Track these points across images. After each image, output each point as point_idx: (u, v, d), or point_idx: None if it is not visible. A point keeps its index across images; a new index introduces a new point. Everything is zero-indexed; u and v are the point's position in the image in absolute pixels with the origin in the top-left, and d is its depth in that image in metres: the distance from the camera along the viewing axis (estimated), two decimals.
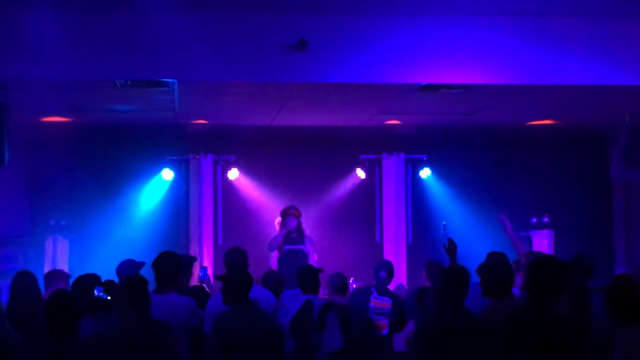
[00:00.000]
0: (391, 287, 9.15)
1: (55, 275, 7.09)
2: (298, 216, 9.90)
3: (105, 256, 9.77)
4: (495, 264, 6.16)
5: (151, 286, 6.44)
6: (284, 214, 9.91)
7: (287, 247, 9.62)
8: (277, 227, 10.27)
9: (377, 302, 7.43)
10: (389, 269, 7.87)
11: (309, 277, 6.88)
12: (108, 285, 5.24)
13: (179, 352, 5.47)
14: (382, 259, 8.42)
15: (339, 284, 7.02)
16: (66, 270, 10.29)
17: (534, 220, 11.47)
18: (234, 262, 6.82)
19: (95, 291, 5.31)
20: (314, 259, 9.74)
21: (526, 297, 4.76)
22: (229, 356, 5.75)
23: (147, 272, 6.70)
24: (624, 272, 6.49)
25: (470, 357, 5.15)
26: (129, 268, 6.79)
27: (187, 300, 6.15)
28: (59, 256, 10.41)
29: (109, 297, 5.23)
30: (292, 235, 9.78)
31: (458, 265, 5.93)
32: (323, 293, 7.38)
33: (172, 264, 6.25)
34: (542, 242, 11.24)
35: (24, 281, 6.49)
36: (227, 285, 5.92)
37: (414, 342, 5.84)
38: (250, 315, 5.84)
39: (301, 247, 9.76)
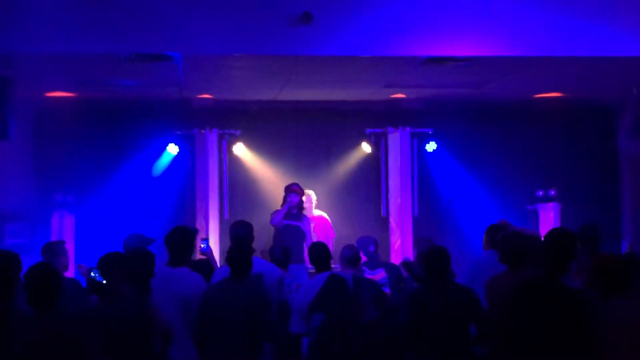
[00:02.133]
0: (396, 261, 9.22)
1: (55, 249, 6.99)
2: (301, 194, 9.89)
3: (111, 231, 9.80)
4: (519, 233, 6.24)
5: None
6: (287, 190, 9.90)
7: (286, 222, 9.61)
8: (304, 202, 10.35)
9: (371, 277, 7.45)
10: (374, 241, 7.99)
11: (324, 253, 6.84)
12: (103, 268, 5.23)
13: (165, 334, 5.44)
14: (362, 236, 8.38)
15: (352, 256, 7.02)
16: (72, 245, 10.37)
17: (541, 193, 11.45)
18: (240, 234, 6.82)
19: (93, 273, 5.30)
20: (311, 239, 9.77)
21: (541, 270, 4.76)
22: (213, 329, 5.74)
23: (154, 248, 6.71)
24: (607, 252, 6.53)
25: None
26: (136, 242, 6.78)
27: (197, 278, 6.16)
28: (65, 231, 10.42)
29: (104, 281, 5.22)
30: (293, 211, 9.77)
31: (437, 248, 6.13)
32: (334, 266, 7.41)
33: (185, 239, 6.26)
34: (549, 215, 11.22)
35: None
36: (228, 259, 5.95)
37: (407, 308, 6.00)
38: (239, 288, 5.83)
39: (299, 224, 9.76)
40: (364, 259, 7.87)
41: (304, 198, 10.14)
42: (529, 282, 4.14)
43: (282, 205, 9.82)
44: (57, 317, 4.62)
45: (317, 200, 11.01)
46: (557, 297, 4.57)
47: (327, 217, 10.84)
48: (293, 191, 9.82)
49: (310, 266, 9.71)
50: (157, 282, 5.80)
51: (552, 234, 5.15)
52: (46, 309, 4.62)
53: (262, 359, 5.90)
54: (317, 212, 10.84)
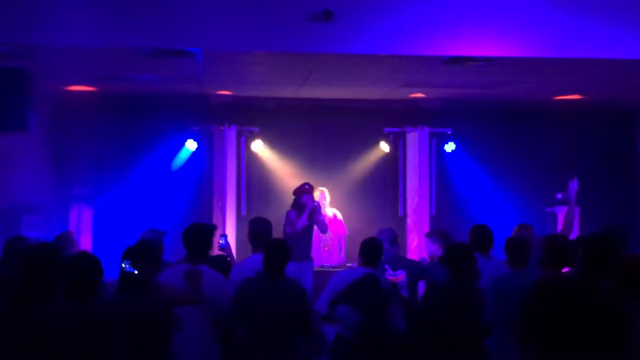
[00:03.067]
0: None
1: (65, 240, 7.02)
2: (313, 193, 9.83)
3: (129, 225, 9.83)
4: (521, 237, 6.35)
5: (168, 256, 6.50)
6: (300, 192, 9.68)
7: (303, 224, 9.60)
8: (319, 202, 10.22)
9: (393, 278, 7.36)
10: (390, 237, 7.60)
11: (375, 251, 6.80)
12: (134, 258, 5.23)
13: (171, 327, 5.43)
14: (380, 230, 7.91)
15: (373, 253, 6.99)
16: (90, 238, 10.42)
17: (560, 196, 11.35)
18: (258, 231, 6.81)
19: (124, 264, 5.30)
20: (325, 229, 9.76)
21: (575, 272, 4.75)
22: (248, 325, 5.76)
23: (168, 240, 6.71)
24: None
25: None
26: (151, 236, 6.79)
27: (217, 276, 6.15)
28: (82, 224, 10.46)
29: (136, 271, 5.22)
30: (315, 216, 9.75)
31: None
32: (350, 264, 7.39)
33: (203, 235, 6.24)
34: None
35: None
36: (266, 256, 5.94)
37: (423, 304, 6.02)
38: (277, 285, 5.84)
39: (309, 222, 9.75)
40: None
41: (317, 194, 10.09)
42: (563, 282, 4.06)
43: (293, 205, 9.61)
44: (93, 307, 4.63)
45: (332, 198, 10.98)
46: (593, 299, 4.54)
47: (339, 215, 10.81)
48: (306, 192, 9.61)
49: (328, 265, 9.74)
50: (177, 277, 5.79)
51: (591, 237, 5.15)
52: (84, 299, 4.63)
53: (297, 354, 5.89)
54: (330, 211, 10.80)
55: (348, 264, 10.20)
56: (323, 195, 10.68)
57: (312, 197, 9.65)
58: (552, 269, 5.84)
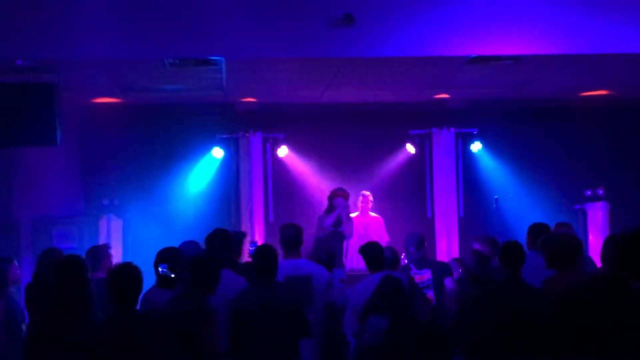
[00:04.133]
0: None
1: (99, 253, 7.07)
2: (347, 198, 9.93)
3: (158, 235, 9.88)
4: (561, 234, 6.16)
5: None
6: (333, 196, 9.92)
7: (331, 228, 9.65)
8: (360, 202, 10.51)
9: (418, 277, 7.40)
10: (416, 242, 7.69)
11: (377, 254, 6.78)
12: (172, 262, 5.30)
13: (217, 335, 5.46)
14: (408, 233, 8.06)
15: (391, 258, 6.99)
16: (120, 249, 10.50)
17: (589, 192, 11.28)
18: (290, 237, 6.85)
19: (160, 268, 5.36)
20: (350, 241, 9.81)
21: (606, 270, 4.65)
22: (243, 333, 5.73)
23: None
24: None
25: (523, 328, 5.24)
26: (191, 249, 6.80)
27: (240, 281, 6.16)
28: (112, 235, 10.54)
29: (172, 275, 5.28)
30: (342, 218, 9.81)
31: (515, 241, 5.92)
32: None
33: (225, 240, 6.28)
34: (597, 215, 11.05)
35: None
36: (255, 262, 5.94)
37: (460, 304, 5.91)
38: (270, 293, 5.81)
39: (341, 228, 9.79)
40: (403, 261, 7.82)
41: (360, 198, 10.31)
42: (594, 281, 4.00)
43: (326, 210, 9.82)
44: (137, 317, 4.69)
45: (355, 202, 11.00)
46: (627, 297, 4.49)
47: (382, 219, 10.81)
48: (339, 195, 9.85)
49: (351, 269, 9.74)
50: None
51: (622, 235, 4.98)
52: (129, 309, 4.67)
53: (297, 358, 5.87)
54: (372, 214, 10.83)
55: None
56: (367, 199, 10.70)
57: (344, 201, 9.77)
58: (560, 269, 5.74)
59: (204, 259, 5.68)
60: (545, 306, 5.29)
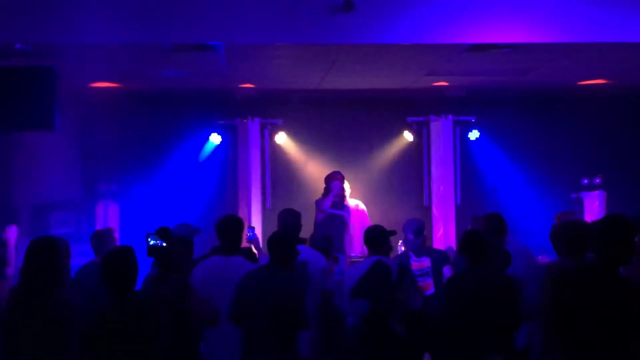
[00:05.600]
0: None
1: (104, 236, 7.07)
2: (343, 182, 9.97)
3: (156, 220, 9.88)
4: (567, 223, 6.15)
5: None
6: (331, 178, 9.97)
7: (330, 211, 9.66)
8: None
9: (417, 264, 7.41)
10: (415, 229, 7.62)
11: (380, 237, 6.78)
12: (161, 232, 5.29)
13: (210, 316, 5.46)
14: (407, 220, 7.93)
15: (378, 241, 6.99)
16: (117, 234, 10.50)
17: (585, 181, 11.30)
18: (288, 222, 6.85)
19: (149, 239, 5.35)
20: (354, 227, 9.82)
21: (594, 256, 4.64)
22: (248, 315, 5.73)
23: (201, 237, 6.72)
24: None
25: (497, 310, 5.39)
26: (184, 231, 6.81)
27: (252, 268, 6.17)
28: (110, 221, 10.55)
29: (164, 244, 5.27)
30: (336, 199, 9.84)
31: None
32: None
33: (238, 227, 6.27)
34: (594, 204, 11.08)
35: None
36: (269, 246, 5.93)
37: (444, 289, 5.95)
38: (274, 276, 5.79)
39: (342, 213, 9.81)
40: (400, 248, 7.83)
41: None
42: (580, 270, 3.97)
43: (324, 194, 9.85)
44: (132, 301, 4.69)
45: (353, 189, 11.00)
46: (615, 287, 4.50)
47: (362, 205, 10.82)
48: (336, 179, 9.90)
49: (353, 255, 9.78)
50: (214, 270, 5.84)
51: (610, 219, 4.94)
52: (124, 293, 4.67)
53: (297, 348, 5.86)
54: (352, 202, 10.82)
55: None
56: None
57: (341, 185, 9.80)
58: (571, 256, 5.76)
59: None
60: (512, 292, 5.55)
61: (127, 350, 4.52)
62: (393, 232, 7.05)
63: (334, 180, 9.92)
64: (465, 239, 5.94)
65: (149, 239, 5.34)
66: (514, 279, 5.82)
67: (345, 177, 10.43)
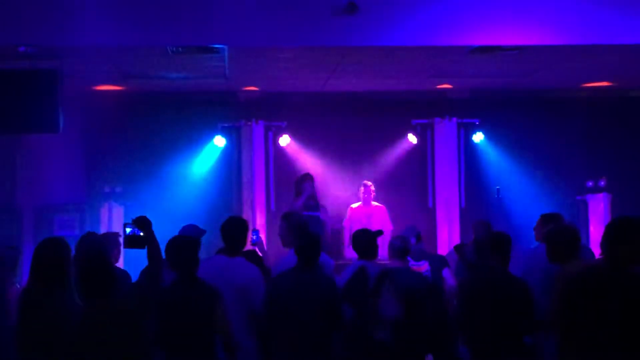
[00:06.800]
0: (444, 252, 9.09)
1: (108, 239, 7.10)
2: (313, 182, 10.06)
3: (160, 222, 9.87)
4: (561, 227, 6.16)
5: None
6: (301, 181, 10.08)
7: (305, 213, 9.65)
8: (362, 192, 10.62)
9: (416, 268, 7.42)
10: (417, 233, 7.80)
11: (366, 241, 6.76)
12: (138, 221, 5.28)
13: (224, 316, 5.48)
14: (408, 226, 8.19)
15: (400, 247, 6.96)
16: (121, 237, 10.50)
17: (590, 183, 11.28)
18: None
19: (127, 228, 5.34)
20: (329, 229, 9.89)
21: (604, 257, 4.65)
22: (283, 320, 5.77)
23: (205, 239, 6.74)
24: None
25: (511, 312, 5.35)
26: (191, 232, 6.83)
27: (254, 269, 6.21)
28: (114, 223, 10.55)
29: (141, 233, 5.26)
30: (310, 202, 9.86)
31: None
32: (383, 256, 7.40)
33: (241, 229, 6.33)
34: (599, 206, 11.06)
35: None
36: (300, 248, 5.97)
37: (458, 293, 5.92)
38: (310, 279, 5.85)
39: (317, 214, 9.81)
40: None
41: (361, 188, 10.48)
42: (591, 271, 3.97)
43: (294, 196, 9.91)
44: (110, 305, 4.69)
45: (349, 190, 11.07)
46: (625, 285, 4.49)
47: (385, 208, 10.82)
48: (307, 180, 9.96)
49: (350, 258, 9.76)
50: (215, 270, 5.86)
51: (619, 221, 4.96)
52: (100, 298, 4.67)
53: (330, 349, 5.88)
54: (375, 203, 10.85)
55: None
56: (369, 189, 10.73)
57: (312, 186, 10.00)
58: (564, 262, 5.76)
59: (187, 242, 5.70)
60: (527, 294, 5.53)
61: (109, 350, 4.52)
62: (380, 232, 7.01)
63: (304, 183, 9.95)
64: (498, 240, 5.87)
65: (126, 228, 5.33)
66: (528, 283, 5.81)
67: (350, 179, 10.45)
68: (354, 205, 10.76)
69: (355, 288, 6.06)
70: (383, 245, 10.33)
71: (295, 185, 10.30)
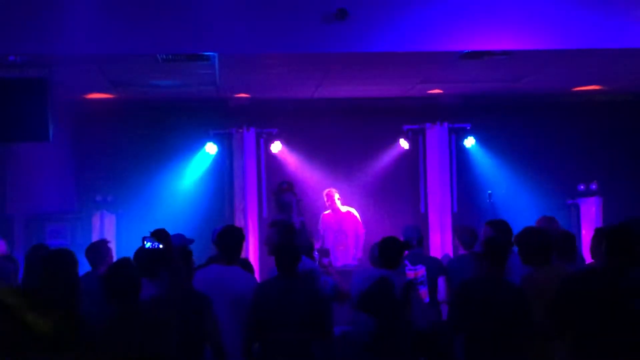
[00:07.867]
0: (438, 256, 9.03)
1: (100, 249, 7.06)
2: (293, 189, 9.98)
3: (152, 230, 9.85)
4: (534, 230, 6.11)
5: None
6: (279, 192, 9.90)
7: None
8: (326, 200, 10.53)
9: (413, 273, 7.33)
10: (418, 236, 7.59)
11: (395, 251, 6.60)
12: (157, 234, 5.28)
13: (214, 324, 5.46)
14: (407, 225, 7.97)
15: (417, 237, 7.03)
16: (113, 245, 10.47)
17: (582, 187, 11.30)
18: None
19: (145, 242, 5.33)
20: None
21: (602, 263, 4.67)
22: (268, 328, 5.75)
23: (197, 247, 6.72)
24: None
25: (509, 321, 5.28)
26: (178, 242, 6.80)
27: (250, 277, 6.24)
28: (106, 231, 10.52)
29: (161, 245, 5.25)
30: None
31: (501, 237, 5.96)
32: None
33: (237, 238, 6.32)
34: (590, 210, 11.07)
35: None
36: (277, 256, 5.96)
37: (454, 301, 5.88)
38: (294, 285, 5.85)
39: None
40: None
41: (325, 198, 10.42)
42: (590, 273, 3.98)
43: (279, 209, 9.74)
44: (138, 311, 4.68)
45: (349, 197, 11.03)
46: (624, 285, 4.50)
47: (355, 212, 10.81)
48: (285, 190, 9.84)
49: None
50: (211, 278, 5.84)
51: (614, 228, 4.97)
52: (129, 305, 4.67)
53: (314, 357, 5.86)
54: (344, 208, 10.82)
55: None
56: (332, 195, 10.68)
57: (290, 196, 9.78)
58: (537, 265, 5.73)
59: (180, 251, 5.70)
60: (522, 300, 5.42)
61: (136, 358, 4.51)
62: (408, 246, 6.93)
63: (282, 194, 9.81)
64: (502, 247, 5.75)
65: (145, 242, 5.32)
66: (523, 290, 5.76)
67: (341, 185, 10.42)
68: (326, 212, 10.78)
69: (377, 298, 5.97)
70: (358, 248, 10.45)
71: (275, 197, 10.06)
